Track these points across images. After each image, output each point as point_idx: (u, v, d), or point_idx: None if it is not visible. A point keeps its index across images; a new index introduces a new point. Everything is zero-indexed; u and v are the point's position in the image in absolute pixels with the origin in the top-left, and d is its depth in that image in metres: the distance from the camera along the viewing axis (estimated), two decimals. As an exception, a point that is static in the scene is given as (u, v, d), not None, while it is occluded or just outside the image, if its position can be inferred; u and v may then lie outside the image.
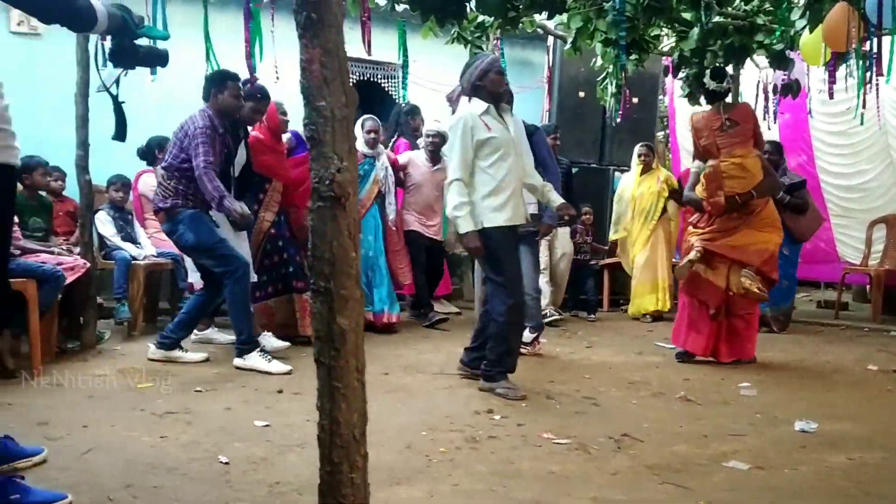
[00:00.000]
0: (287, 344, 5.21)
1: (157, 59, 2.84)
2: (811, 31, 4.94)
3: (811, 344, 6.43)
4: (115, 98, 2.76)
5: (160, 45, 2.88)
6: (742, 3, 4.98)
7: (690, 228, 5.45)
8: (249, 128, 5.28)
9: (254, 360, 4.63)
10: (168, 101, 6.67)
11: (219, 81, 4.83)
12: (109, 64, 2.77)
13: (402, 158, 6.85)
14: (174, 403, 3.78)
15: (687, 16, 5.23)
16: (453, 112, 4.39)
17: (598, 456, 3.25)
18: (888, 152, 7.58)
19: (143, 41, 2.78)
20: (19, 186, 5.32)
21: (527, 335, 5.27)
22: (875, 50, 4.75)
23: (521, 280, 4.34)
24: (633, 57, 5.94)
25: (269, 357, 4.69)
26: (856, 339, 6.73)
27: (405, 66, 6.05)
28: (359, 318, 1.65)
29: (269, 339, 5.18)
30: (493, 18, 5.28)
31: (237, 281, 4.64)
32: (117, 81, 2.88)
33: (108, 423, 3.39)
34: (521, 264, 4.43)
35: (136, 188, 6.05)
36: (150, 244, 5.87)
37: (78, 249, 5.01)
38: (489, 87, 4.21)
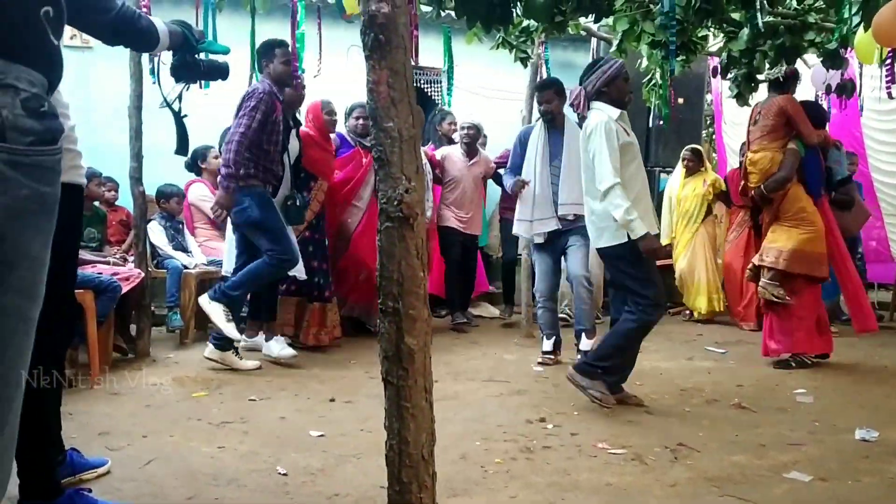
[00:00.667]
0: (294, 353, 5.08)
1: (218, 73, 2.88)
2: (866, 29, 4.82)
3: (866, 347, 6.29)
4: (177, 113, 2.79)
5: (221, 58, 2.90)
6: (793, 2, 4.86)
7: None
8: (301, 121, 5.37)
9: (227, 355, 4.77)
10: (216, 111, 6.76)
11: (267, 51, 4.86)
12: (171, 78, 2.81)
13: (438, 154, 6.79)
14: (229, 413, 3.83)
15: (736, 16, 5.15)
16: (581, 117, 4.17)
17: (655, 467, 3.21)
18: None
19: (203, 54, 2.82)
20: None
21: (584, 343, 5.27)
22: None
23: (663, 294, 4.18)
24: (680, 58, 5.85)
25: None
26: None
27: (450, 71, 6.04)
28: (427, 338, 1.65)
29: (278, 345, 5.10)
30: (539, 24, 5.24)
31: (278, 265, 4.68)
32: (180, 97, 2.92)
33: (167, 433, 3.45)
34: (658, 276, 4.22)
35: (186, 197, 6.14)
36: (201, 252, 5.95)
37: (132, 258, 5.10)
38: (615, 95, 4.07)
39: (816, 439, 3.68)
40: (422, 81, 8.53)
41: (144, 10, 4.52)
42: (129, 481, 2.82)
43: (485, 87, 8.38)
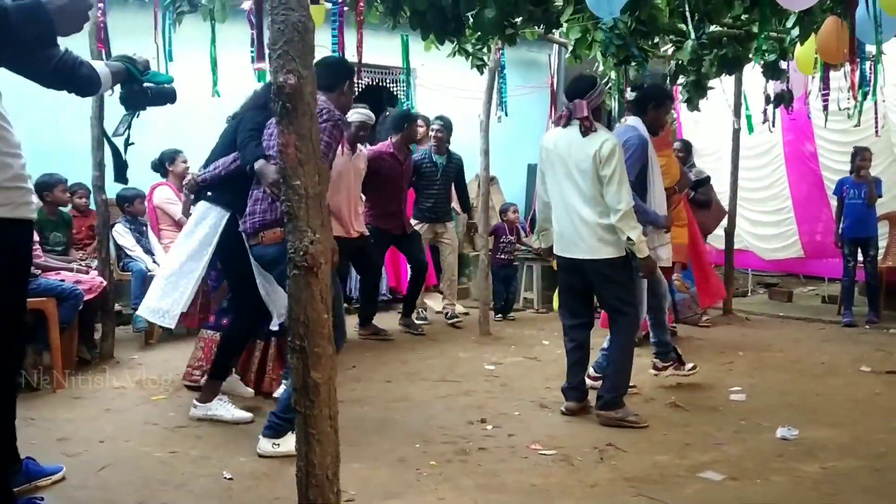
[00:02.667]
0: (251, 392, 4.48)
1: (165, 98, 3.06)
2: (802, 43, 5.07)
3: (810, 342, 6.57)
4: (112, 143, 2.97)
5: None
6: (740, 13, 5.08)
7: None
8: None
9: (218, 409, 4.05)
10: (180, 112, 6.89)
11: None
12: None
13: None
14: (186, 417, 4.02)
15: (682, 26, 5.36)
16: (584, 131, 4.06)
17: (581, 467, 3.45)
18: (891, 150, 7.67)
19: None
20: (41, 202, 5.60)
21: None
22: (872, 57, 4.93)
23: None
24: (632, 65, 6.06)
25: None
26: (855, 338, 6.85)
27: (408, 77, 6.21)
28: (332, 373, 1.86)
29: (235, 384, 4.44)
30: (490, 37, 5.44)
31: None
32: (129, 124, 3.09)
33: (124, 439, 3.65)
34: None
35: (150, 200, 6.30)
36: (165, 254, 6.10)
37: (96, 264, 5.27)
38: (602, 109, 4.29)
39: (739, 438, 3.94)
40: (387, 81, 8.70)
41: (100, 22, 4.65)
42: (83, 488, 3.02)
43: (450, 85, 8.57)
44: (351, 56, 5.66)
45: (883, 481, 3.33)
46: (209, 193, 4.13)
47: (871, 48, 4.81)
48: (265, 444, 3.45)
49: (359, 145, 6.07)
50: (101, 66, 2.64)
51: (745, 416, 4.33)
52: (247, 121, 3.93)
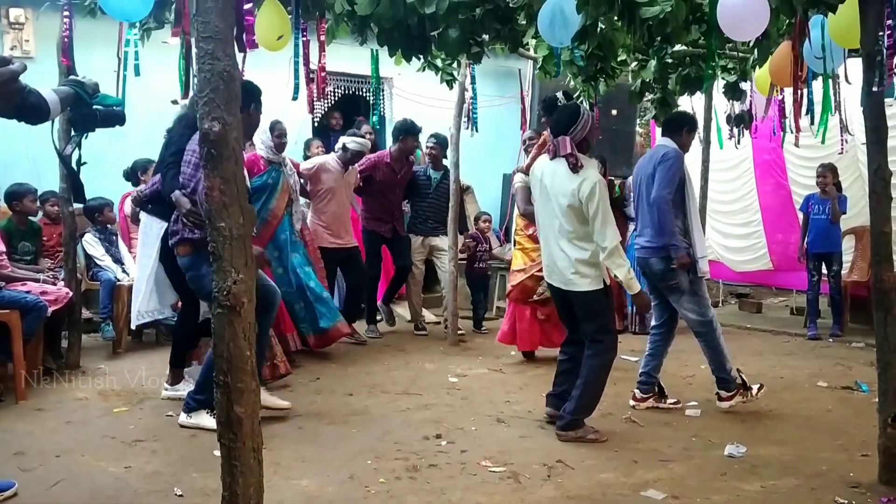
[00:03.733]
0: (287, 403, 4.51)
1: (115, 120, 3.11)
2: (760, 65, 5.18)
3: (772, 355, 6.68)
4: (69, 165, 3.03)
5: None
6: (697, 38, 5.18)
7: (528, 242, 5.88)
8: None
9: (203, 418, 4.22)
10: (153, 121, 6.95)
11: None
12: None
13: (307, 164, 6.49)
14: (144, 430, 4.10)
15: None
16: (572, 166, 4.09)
17: (527, 485, 3.53)
18: (857, 166, 7.79)
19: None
20: (10, 211, 5.65)
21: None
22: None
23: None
24: (601, 82, 6.15)
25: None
26: (818, 350, 6.97)
27: (378, 88, 6.29)
28: (255, 406, 1.94)
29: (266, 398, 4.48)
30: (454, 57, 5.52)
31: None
32: (79, 144, 3.15)
33: (80, 453, 3.71)
34: None
35: (121, 209, 6.35)
36: (135, 263, 6.15)
37: (63, 275, 5.32)
38: (591, 141, 4.29)
39: (687, 455, 4.03)
40: (363, 90, 8.77)
41: (65, 37, 4.70)
42: (34, 504, 3.08)
43: (427, 95, 8.63)
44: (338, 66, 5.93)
45: (818, 502, 3.43)
46: (150, 206, 4.88)
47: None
48: (182, 416, 4.22)
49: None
50: (49, 93, 2.70)
51: (697, 433, 4.42)
52: (171, 144, 4.51)
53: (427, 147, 7.21)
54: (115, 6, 3.98)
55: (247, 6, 2.13)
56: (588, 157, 4.24)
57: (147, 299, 5.00)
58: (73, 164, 3.10)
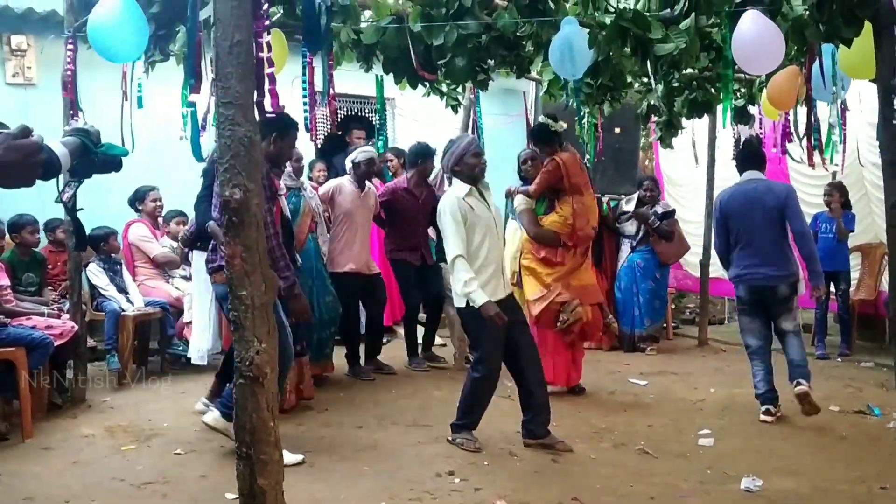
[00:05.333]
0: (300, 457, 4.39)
1: (111, 167, 3.05)
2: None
3: (782, 377, 6.55)
4: (71, 211, 2.97)
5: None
6: (706, 64, 5.16)
7: (540, 266, 5.75)
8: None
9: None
10: (156, 148, 6.94)
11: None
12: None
13: (322, 189, 6.42)
14: (153, 471, 4.04)
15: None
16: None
17: (543, 526, 3.49)
18: (863, 184, 7.77)
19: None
20: (12, 243, 5.61)
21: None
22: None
23: (497, 358, 4.54)
24: (605, 103, 6.14)
25: None
26: (827, 371, 6.92)
27: (383, 110, 6.26)
28: (278, 478, 1.90)
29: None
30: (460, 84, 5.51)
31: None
32: (75, 192, 3.08)
33: (89, 497, 3.66)
34: (502, 341, 4.50)
35: (125, 237, 6.31)
36: (139, 293, 6.13)
37: (67, 307, 5.28)
38: (466, 171, 4.50)
39: (703, 490, 3.99)
40: (367, 111, 8.75)
41: (68, 73, 4.67)
42: (44, 557, 3.03)
43: (430, 114, 8.61)
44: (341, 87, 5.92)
45: (839, 541, 3.39)
46: (198, 243, 4.98)
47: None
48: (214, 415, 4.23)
49: (367, 183, 6.50)
50: (59, 147, 2.64)
51: (712, 464, 4.37)
52: (206, 179, 4.56)
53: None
54: (106, 49, 3.94)
55: (268, 70, 2.11)
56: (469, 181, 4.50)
57: (212, 338, 5.21)
58: (71, 210, 3.04)
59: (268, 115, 2.54)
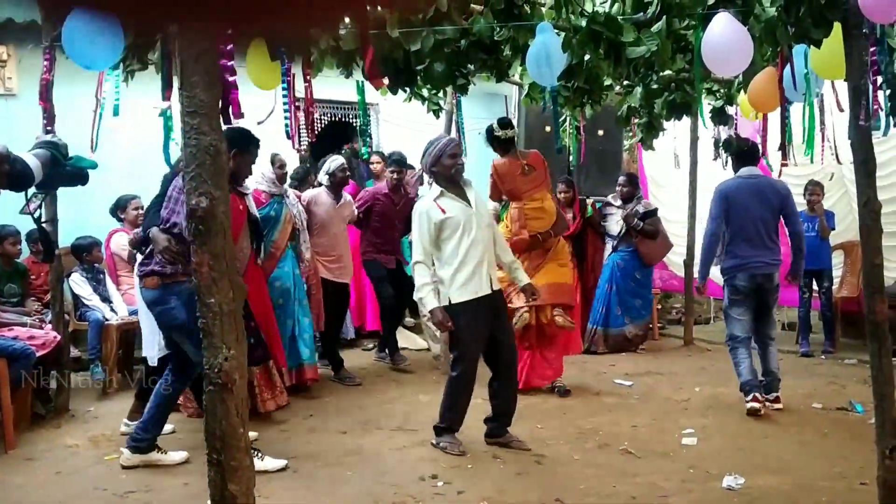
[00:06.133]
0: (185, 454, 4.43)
1: (77, 179, 3.08)
2: (745, 90, 5.19)
3: (766, 375, 6.66)
4: (37, 221, 2.98)
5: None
6: (682, 66, 5.19)
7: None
8: None
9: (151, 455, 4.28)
10: (138, 156, 6.94)
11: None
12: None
13: (303, 197, 6.44)
14: (136, 480, 4.04)
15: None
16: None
17: (525, 528, 3.51)
18: (843, 181, 7.83)
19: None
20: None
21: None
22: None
23: (474, 357, 4.62)
24: (586, 105, 6.16)
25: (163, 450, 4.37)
26: (811, 369, 6.98)
27: (365, 116, 6.27)
28: (249, 483, 1.90)
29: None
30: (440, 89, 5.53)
31: (191, 379, 4.32)
32: (41, 205, 3.10)
33: (72, 508, 3.66)
34: (481, 340, 4.58)
35: (108, 247, 6.30)
36: (123, 302, 6.11)
37: (50, 318, 5.27)
38: (442, 172, 4.57)
39: (686, 489, 4.01)
40: (350, 116, 8.76)
41: (44, 80, 4.67)
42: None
43: (414, 119, 8.63)
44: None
45: (819, 537, 3.42)
46: (143, 248, 4.70)
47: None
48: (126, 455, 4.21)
49: (344, 193, 6.66)
50: (31, 159, 2.67)
51: (695, 463, 4.40)
52: (162, 186, 4.52)
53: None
54: (81, 55, 3.93)
55: (231, 78, 2.12)
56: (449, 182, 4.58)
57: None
58: (37, 221, 3.06)
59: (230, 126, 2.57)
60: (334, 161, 6.53)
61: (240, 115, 2.39)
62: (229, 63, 2.25)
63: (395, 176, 6.92)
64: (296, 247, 5.96)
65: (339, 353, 6.59)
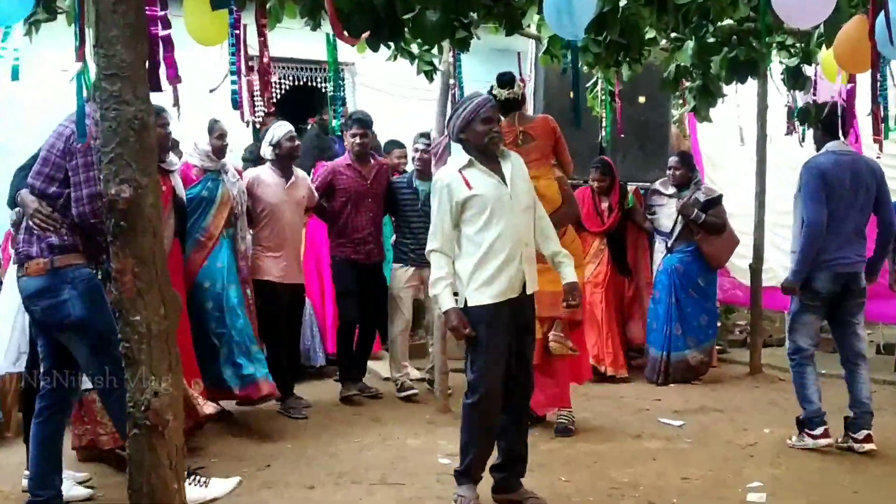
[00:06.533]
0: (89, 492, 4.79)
1: None
2: (828, 45, 5.20)
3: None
4: None
5: None
6: (746, 15, 5.18)
7: None
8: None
9: None
10: (46, 130, 6.91)
11: None
12: None
13: (243, 176, 6.43)
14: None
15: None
16: None
17: None
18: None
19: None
20: None
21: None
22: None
23: (495, 380, 4.47)
24: (623, 65, 6.18)
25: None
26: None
27: (336, 87, 6.28)
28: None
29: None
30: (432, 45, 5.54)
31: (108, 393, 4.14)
32: None
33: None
34: (503, 357, 4.49)
35: (6, 249, 6.28)
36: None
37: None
38: (472, 140, 4.49)
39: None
40: (318, 80, 8.78)
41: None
42: None
43: (401, 83, 8.66)
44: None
45: None
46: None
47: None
48: None
49: (295, 170, 6.51)
50: None
51: (766, 528, 4.41)
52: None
53: (416, 150, 7.13)
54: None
55: (163, 32, 2.10)
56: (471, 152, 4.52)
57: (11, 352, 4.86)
58: None
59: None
60: (279, 128, 6.42)
61: (176, 80, 2.37)
62: (160, 12, 2.24)
63: (357, 140, 6.83)
64: (234, 235, 5.95)
65: (288, 376, 6.58)
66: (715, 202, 7.78)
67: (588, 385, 7.30)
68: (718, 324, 8.91)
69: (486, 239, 4.39)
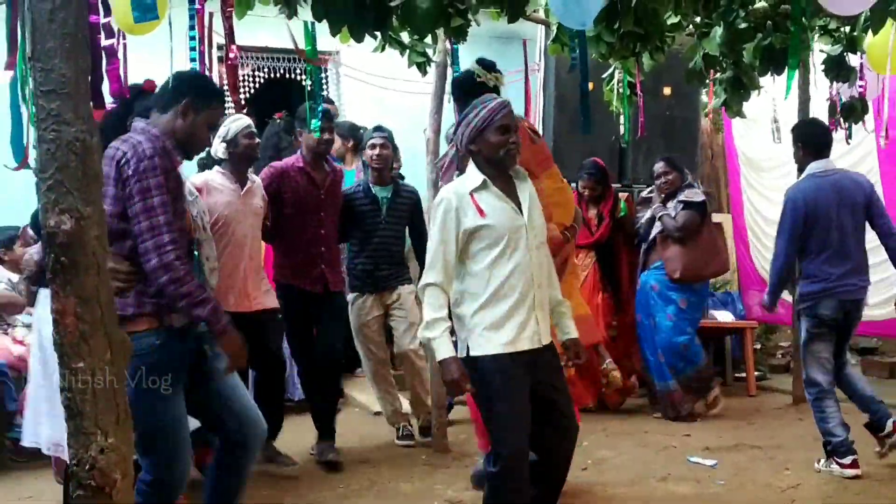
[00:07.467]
0: None
1: None
2: (875, 31, 5.22)
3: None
4: None
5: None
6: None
7: None
8: None
9: None
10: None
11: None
12: None
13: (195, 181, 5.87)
14: None
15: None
16: None
17: None
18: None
19: None
20: None
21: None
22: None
23: (520, 444, 4.12)
24: (643, 54, 6.20)
25: None
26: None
27: (317, 83, 6.28)
28: None
29: None
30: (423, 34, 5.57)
31: (164, 491, 3.99)
32: None
33: None
34: (526, 417, 4.13)
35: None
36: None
37: None
38: (487, 153, 4.23)
39: None
40: (296, 71, 8.83)
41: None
42: None
43: (388, 75, 8.68)
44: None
45: None
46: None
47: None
48: None
49: (250, 175, 6.13)
50: None
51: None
52: None
53: (371, 146, 6.77)
54: None
55: (106, 42, 2.12)
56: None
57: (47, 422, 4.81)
58: None
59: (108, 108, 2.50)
60: (236, 122, 5.97)
61: (121, 94, 2.37)
62: (104, 20, 2.25)
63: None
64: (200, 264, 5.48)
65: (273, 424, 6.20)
66: (690, 205, 7.62)
67: (609, 419, 7.36)
68: (757, 345, 8.93)
69: (494, 277, 4.12)
